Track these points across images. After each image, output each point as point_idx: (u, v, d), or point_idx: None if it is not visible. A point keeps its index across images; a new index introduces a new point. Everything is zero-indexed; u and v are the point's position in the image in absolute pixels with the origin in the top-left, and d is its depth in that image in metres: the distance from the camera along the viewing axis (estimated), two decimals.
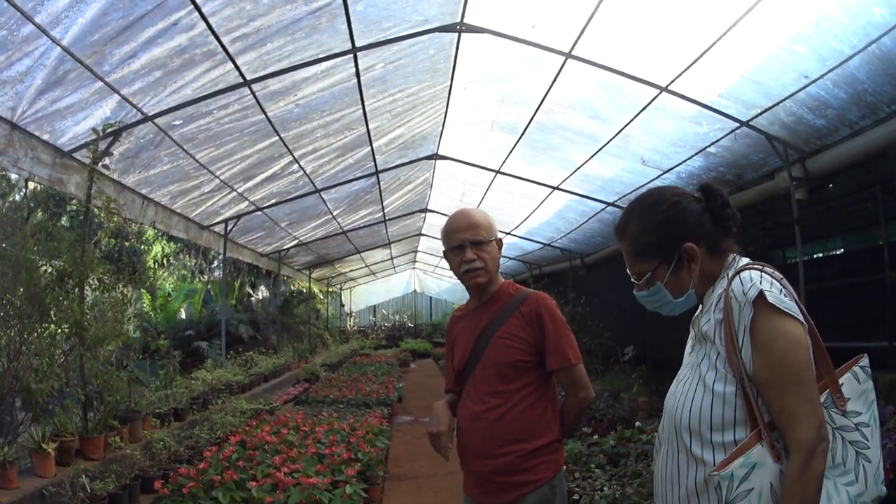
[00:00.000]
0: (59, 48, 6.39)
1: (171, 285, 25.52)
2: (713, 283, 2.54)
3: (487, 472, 3.53)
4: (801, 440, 2.11)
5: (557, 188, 14.65)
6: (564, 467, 3.68)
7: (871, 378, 2.37)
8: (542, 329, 3.56)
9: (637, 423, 9.57)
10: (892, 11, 6.09)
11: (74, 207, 22.08)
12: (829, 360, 2.32)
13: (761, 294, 2.23)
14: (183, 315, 22.37)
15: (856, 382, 2.33)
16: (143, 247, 26.12)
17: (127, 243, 24.93)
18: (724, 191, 2.61)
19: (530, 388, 3.55)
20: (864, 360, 2.38)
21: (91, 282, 7.92)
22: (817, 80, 7.43)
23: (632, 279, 2.69)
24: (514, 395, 3.52)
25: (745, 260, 2.51)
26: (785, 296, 2.28)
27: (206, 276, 28.60)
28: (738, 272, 2.37)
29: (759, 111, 8.55)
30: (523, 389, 3.53)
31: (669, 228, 2.54)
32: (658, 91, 8.94)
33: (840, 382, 2.31)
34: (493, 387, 3.56)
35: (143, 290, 21.63)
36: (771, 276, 2.34)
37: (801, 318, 2.25)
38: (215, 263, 28.52)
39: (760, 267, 2.40)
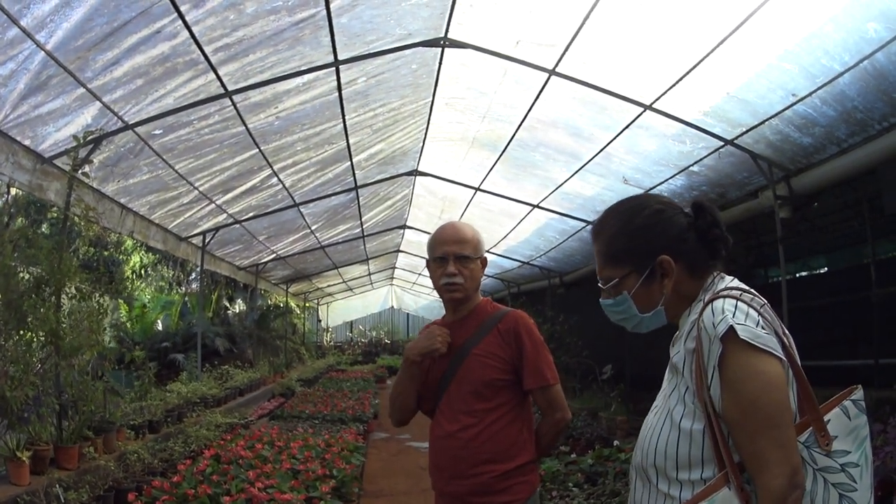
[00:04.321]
0: (42, 52, 6.34)
1: (149, 296, 25.36)
2: (690, 306, 2.36)
3: (462, 493, 3.47)
4: (771, 488, 1.93)
5: (537, 206, 14.72)
6: (540, 487, 3.63)
7: (865, 412, 2.10)
8: (521, 348, 3.51)
9: (615, 442, 9.60)
10: (888, 26, 6.07)
11: (55, 215, 21.98)
12: (813, 397, 2.07)
13: (731, 330, 2.02)
14: (160, 327, 22.23)
15: (845, 418, 2.06)
16: (121, 257, 25.98)
17: (106, 253, 24.78)
18: (718, 211, 2.43)
19: (506, 407, 3.49)
20: (858, 393, 2.11)
21: (68, 290, 7.86)
22: (805, 97, 7.44)
23: (598, 283, 2.52)
24: (489, 415, 3.47)
25: (726, 280, 2.32)
26: (763, 328, 2.07)
27: (183, 289, 28.47)
28: (711, 299, 2.17)
29: (744, 129, 8.57)
30: (499, 409, 3.48)
31: (647, 236, 2.37)
32: (642, 109, 8.96)
33: (826, 419, 2.05)
34: (469, 406, 3.50)
35: (120, 301, 21.47)
36: (749, 305, 2.13)
37: (779, 353, 2.04)
38: (193, 276, 28.37)
39: (738, 294, 2.17)
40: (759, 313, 2.11)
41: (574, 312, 17.13)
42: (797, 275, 14.37)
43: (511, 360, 3.51)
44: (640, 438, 2.35)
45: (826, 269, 14.43)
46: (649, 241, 2.36)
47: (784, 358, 2.05)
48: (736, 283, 2.29)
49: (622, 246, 2.41)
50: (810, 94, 7.38)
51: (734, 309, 2.09)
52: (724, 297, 2.16)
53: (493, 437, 3.44)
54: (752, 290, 2.23)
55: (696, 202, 2.43)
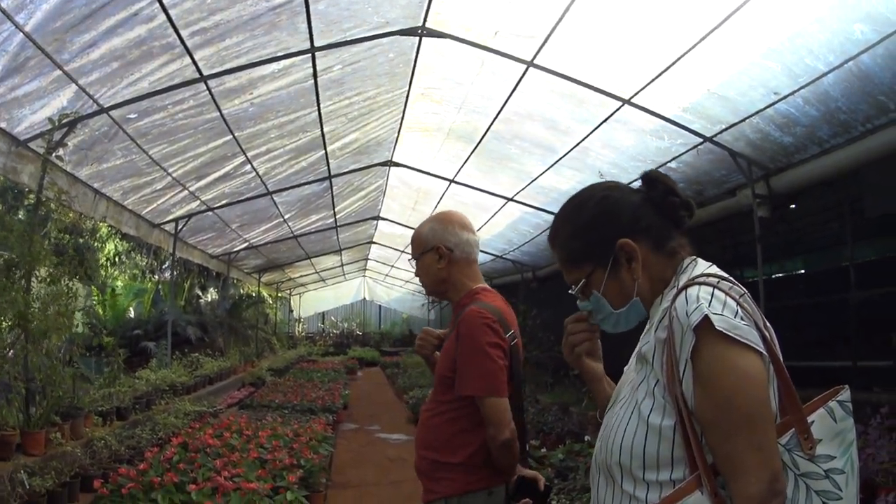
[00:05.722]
0: (21, 34, 6.31)
1: (122, 283, 25.21)
2: (663, 292, 2.15)
3: (417, 465, 3.65)
4: (748, 494, 1.74)
5: (512, 199, 14.74)
6: (483, 492, 3.51)
7: (852, 415, 1.89)
8: (457, 348, 3.45)
9: (587, 437, 9.58)
10: (875, 28, 6.03)
11: (31, 201, 21.81)
12: (796, 395, 1.87)
13: (706, 319, 1.82)
14: (132, 314, 22.10)
15: (831, 420, 1.86)
16: (96, 244, 25.81)
17: (81, 239, 24.61)
18: (671, 179, 2.27)
19: (455, 403, 3.48)
20: (845, 394, 1.91)
21: (38, 273, 7.80)
22: (787, 96, 7.41)
23: (570, 290, 2.35)
24: (443, 406, 3.54)
25: (702, 266, 2.11)
26: (742, 319, 1.86)
27: (156, 276, 28.33)
28: (686, 286, 1.97)
29: (724, 127, 8.54)
30: (450, 403, 3.50)
31: (599, 226, 2.21)
32: (620, 104, 8.94)
33: (810, 420, 1.85)
34: (436, 395, 3.63)
35: (93, 287, 21.31)
36: (727, 294, 1.91)
37: (759, 347, 1.83)
38: (166, 264, 28.23)
39: (715, 281, 1.96)
40: (738, 303, 1.90)
41: (547, 307, 17.13)
42: (772, 276, 14.42)
43: (455, 358, 3.48)
44: (604, 432, 2.17)
45: (803, 270, 14.48)
46: (602, 230, 2.22)
47: (765, 352, 1.85)
48: (713, 269, 2.10)
49: (578, 245, 2.29)
50: (793, 93, 7.34)
51: (710, 297, 1.90)
52: (700, 283, 1.96)
53: (437, 427, 3.54)
54: (730, 278, 2.02)
55: (646, 175, 2.30)
